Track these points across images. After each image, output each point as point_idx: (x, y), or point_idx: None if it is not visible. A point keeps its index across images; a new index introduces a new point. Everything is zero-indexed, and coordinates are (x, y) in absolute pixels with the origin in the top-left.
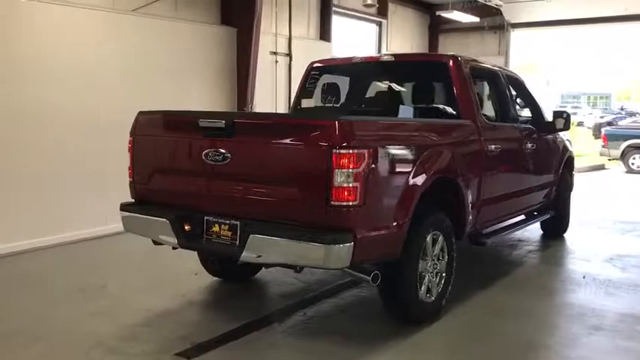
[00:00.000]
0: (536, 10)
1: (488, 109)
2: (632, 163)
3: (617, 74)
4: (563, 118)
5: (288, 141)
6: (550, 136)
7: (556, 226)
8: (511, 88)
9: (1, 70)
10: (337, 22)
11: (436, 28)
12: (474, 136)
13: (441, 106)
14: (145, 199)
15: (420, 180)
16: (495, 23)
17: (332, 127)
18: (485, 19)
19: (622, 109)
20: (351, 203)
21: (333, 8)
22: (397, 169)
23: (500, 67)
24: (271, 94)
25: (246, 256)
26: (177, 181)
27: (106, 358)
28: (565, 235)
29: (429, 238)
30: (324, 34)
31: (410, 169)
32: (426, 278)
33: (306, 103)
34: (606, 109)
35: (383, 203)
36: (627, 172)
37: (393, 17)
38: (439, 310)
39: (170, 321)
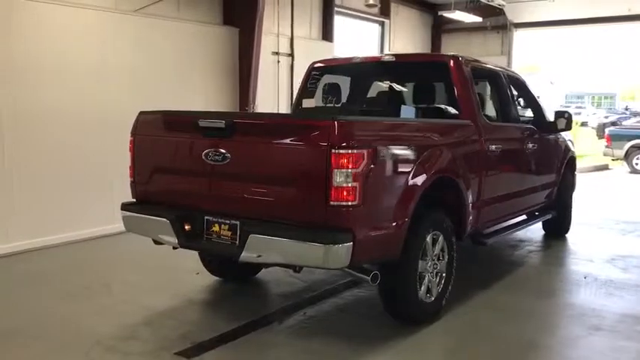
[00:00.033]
0: (539, 10)
1: (490, 109)
2: (636, 164)
3: (622, 74)
4: (564, 118)
5: (287, 141)
6: (552, 137)
7: (558, 227)
8: (512, 88)
9: (3, 70)
10: (340, 22)
11: (439, 28)
12: (475, 136)
13: (443, 106)
14: (145, 199)
15: (419, 180)
16: (498, 23)
17: (331, 127)
18: (488, 19)
19: (626, 109)
20: (350, 203)
21: (336, 8)
22: (396, 169)
23: (501, 67)
24: (273, 95)
25: (246, 255)
26: (177, 181)
27: (106, 356)
28: (567, 235)
29: (428, 238)
30: (327, 34)
31: (409, 170)
32: (426, 278)
33: (307, 103)
34: (611, 109)
35: (382, 203)
36: (631, 172)
37: (396, 17)
38: (439, 310)
39: (171, 320)
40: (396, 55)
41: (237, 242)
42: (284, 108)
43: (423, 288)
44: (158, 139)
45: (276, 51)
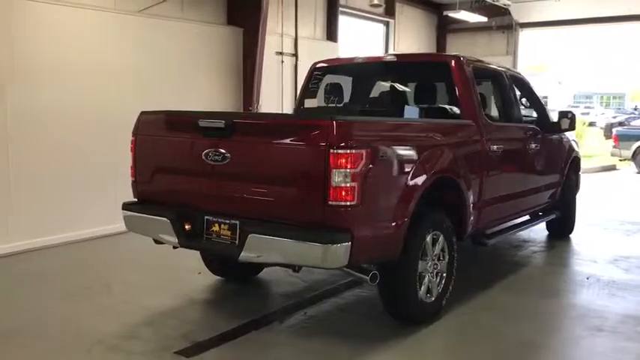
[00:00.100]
0: (545, 10)
1: (492, 109)
2: None
3: (631, 74)
4: (568, 119)
5: (286, 141)
6: (555, 137)
7: (562, 227)
8: (515, 89)
9: (3, 70)
10: (344, 22)
11: (444, 28)
12: (476, 136)
13: (447, 107)
14: (147, 199)
15: (419, 180)
16: (503, 23)
17: (329, 127)
18: (493, 19)
19: (635, 108)
20: (348, 203)
21: (340, 8)
22: (395, 170)
23: (504, 67)
24: (277, 95)
25: (245, 255)
26: (178, 181)
27: (107, 355)
28: (571, 235)
29: (428, 239)
30: (331, 34)
31: (409, 170)
32: (426, 278)
33: (309, 103)
34: (619, 109)
35: (381, 203)
36: (638, 172)
37: (401, 17)
38: (439, 310)
39: (172, 319)
40: (397, 55)
41: (236, 242)
42: (288, 108)
43: (423, 288)
44: (159, 139)
45: (280, 51)
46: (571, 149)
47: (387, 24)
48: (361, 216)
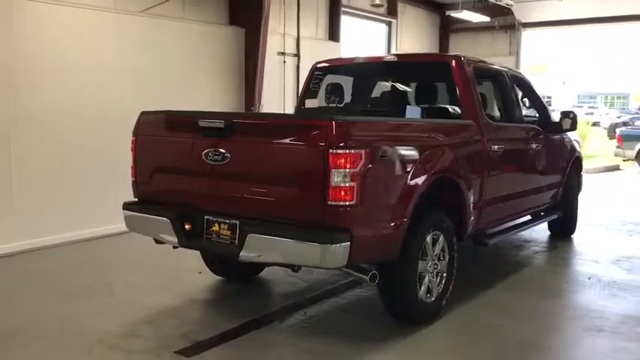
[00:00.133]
0: (547, 10)
1: (493, 109)
2: None
3: (635, 74)
4: (569, 119)
5: (285, 141)
6: (557, 137)
7: (563, 227)
8: (516, 89)
9: (4, 70)
10: (346, 22)
11: (446, 28)
12: (477, 136)
13: (450, 107)
14: (147, 199)
15: (418, 180)
16: (506, 23)
17: (329, 127)
18: (495, 19)
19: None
20: (347, 203)
21: (342, 8)
22: (395, 170)
23: (505, 68)
24: (279, 95)
25: (245, 255)
26: (178, 181)
27: (108, 355)
28: (573, 236)
29: (428, 238)
30: (333, 34)
31: (408, 170)
32: (426, 278)
33: (310, 103)
34: (624, 109)
35: (380, 203)
36: None
37: (403, 17)
38: (439, 310)
39: (172, 319)
40: (398, 55)
41: (236, 242)
42: (290, 108)
43: (423, 288)
44: (159, 139)
45: (282, 51)
46: (573, 149)
47: (389, 24)
48: (360, 216)
